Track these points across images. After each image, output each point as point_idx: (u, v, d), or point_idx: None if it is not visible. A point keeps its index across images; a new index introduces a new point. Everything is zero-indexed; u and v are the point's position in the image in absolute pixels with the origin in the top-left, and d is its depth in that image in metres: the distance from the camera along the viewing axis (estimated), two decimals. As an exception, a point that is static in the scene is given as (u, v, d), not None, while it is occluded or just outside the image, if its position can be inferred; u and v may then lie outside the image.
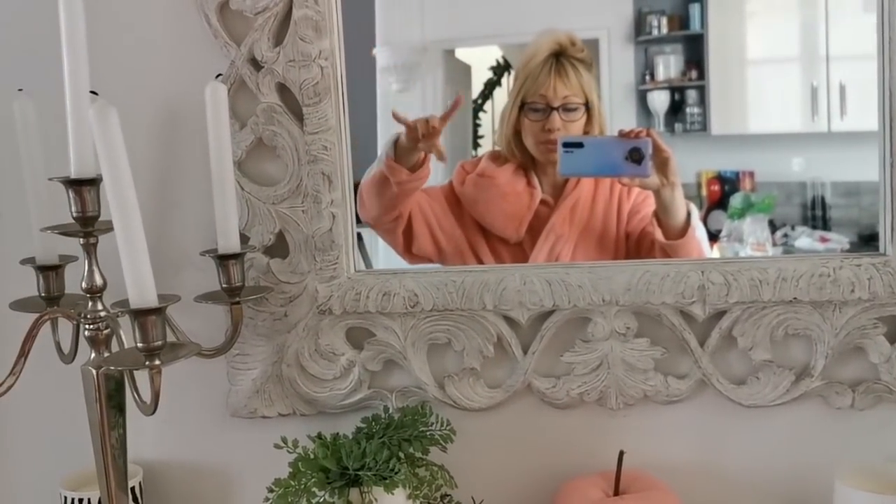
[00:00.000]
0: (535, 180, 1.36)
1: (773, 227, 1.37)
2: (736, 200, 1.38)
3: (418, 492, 1.18)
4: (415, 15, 1.42)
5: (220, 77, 1.20)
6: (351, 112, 1.27)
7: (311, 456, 1.17)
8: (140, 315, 0.97)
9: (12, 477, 1.41)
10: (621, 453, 1.19)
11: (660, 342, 1.24)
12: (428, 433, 1.23)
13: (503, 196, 1.36)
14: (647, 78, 1.41)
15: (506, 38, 1.44)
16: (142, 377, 1.03)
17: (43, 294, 1.18)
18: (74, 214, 1.07)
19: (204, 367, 1.25)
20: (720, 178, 1.41)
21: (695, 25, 1.39)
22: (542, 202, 1.35)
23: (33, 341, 1.10)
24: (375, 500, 1.13)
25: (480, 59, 1.44)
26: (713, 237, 1.35)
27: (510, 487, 1.30)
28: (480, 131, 1.44)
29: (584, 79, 1.33)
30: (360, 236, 1.32)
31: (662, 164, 1.28)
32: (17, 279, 1.20)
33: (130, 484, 1.20)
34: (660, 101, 1.41)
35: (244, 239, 1.24)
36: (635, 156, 1.27)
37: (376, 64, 1.41)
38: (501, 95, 1.41)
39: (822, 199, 1.37)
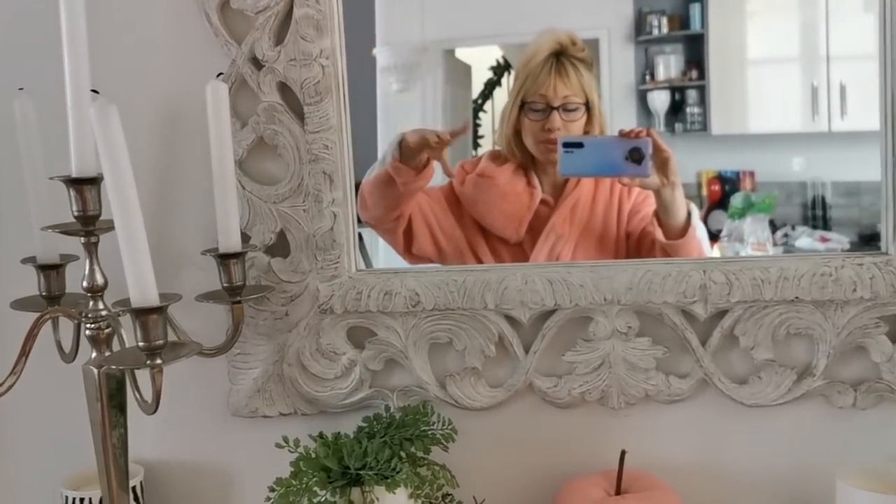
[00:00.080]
0: (535, 180, 1.36)
1: (774, 226, 1.37)
2: (736, 200, 1.38)
3: (420, 491, 1.17)
4: (415, 14, 1.43)
5: (221, 76, 1.20)
6: (351, 112, 1.27)
7: (313, 455, 1.17)
8: (141, 314, 0.97)
9: (13, 476, 1.41)
10: (623, 453, 1.19)
11: (661, 341, 1.24)
12: (429, 432, 1.23)
13: (503, 196, 1.36)
14: (648, 78, 1.41)
15: (506, 38, 1.44)
16: (143, 376, 1.03)
17: (44, 293, 1.18)
18: (75, 213, 1.07)
19: (205, 367, 1.25)
20: (720, 178, 1.41)
21: (695, 25, 1.39)
22: (543, 202, 1.35)
23: (34, 340, 1.10)
24: (377, 499, 1.13)
25: (480, 59, 1.44)
26: (714, 237, 1.35)
27: (511, 487, 1.30)
28: (480, 131, 1.44)
29: (585, 78, 1.33)
30: (360, 236, 1.32)
31: (663, 164, 1.27)
32: (18, 278, 1.20)
33: (131, 483, 1.20)
34: (660, 100, 1.41)
35: (245, 238, 1.24)
36: (635, 156, 1.27)
37: (376, 64, 1.41)
38: (501, 95, 1.41)
39: (823, 198, 1.37)
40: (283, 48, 1.22)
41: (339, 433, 1.22)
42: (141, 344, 0.98)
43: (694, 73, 1.42)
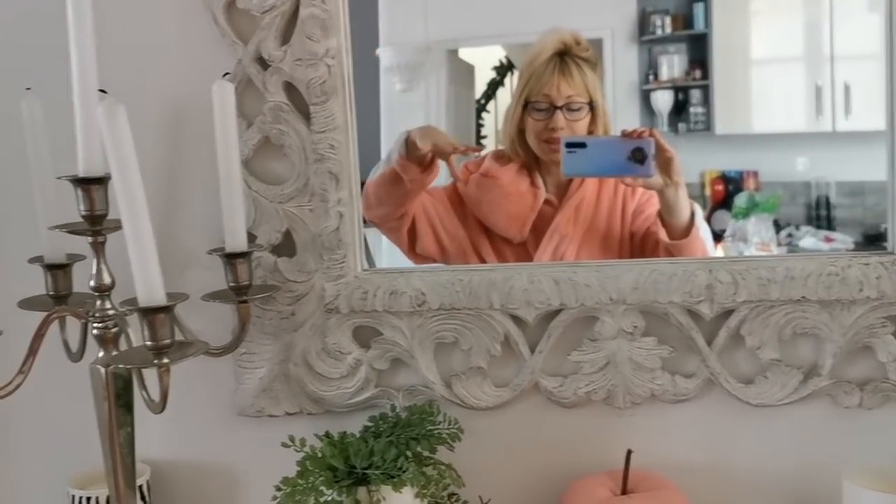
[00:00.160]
0: (539, 180, 1.36)
1: (778, 226, 1.37)
2: (740, 200, 1.39)
3: (426, 490, 1.17)
4: (418, 15, 1.43)
5: (228, 76, 1.20)
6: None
7: (319, 454, 1.16)
8: (149, 313, 0.97)
9: (21, 475, 1.41)
10: (629, 452, 1.19)
11: (667, 341, 1.24)
12: (435, 432, 1.23)
13: (507, 196, 1.36)
14: (651, 77, 1.42)
15: (509, 38, 1.44)
16: (149, 375, 1.03)
17: (51, 293, 1.18)
18: (83, 213, 1.07)
19: (211, 366, 1.25)
20: (724, 178, 1.41)
21: (699, 25, 1.40)
22: (546, 202, 1.36)
23: (42, 340, 1.11)
24: (383, 498, 1.13)
25: (484, 59, 1.45)
26: (717, 237, 1.36)
27: (517, 486, 1.30)
28: (483, 131, 1.44)
29: (589, 78, 1.33)
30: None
31: (666, 164, 1.27)
32: (26, 278, 1.19)
33: (138, 482, 1.20)
34: (663, 100, 1.41)
35: (251, 238, 1.24)
36: (638, 156, 1.27)
37: (380, 64, 1.41)
38: (504, 95, 1.41)
39: (827, 198, 1.37)
40: (290, 48, 1.22)
41: (345, 432, 1.22)
42: (148, 343, 0.98)
43: (697, 73, 1.42)
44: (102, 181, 1.06)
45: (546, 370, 1.27)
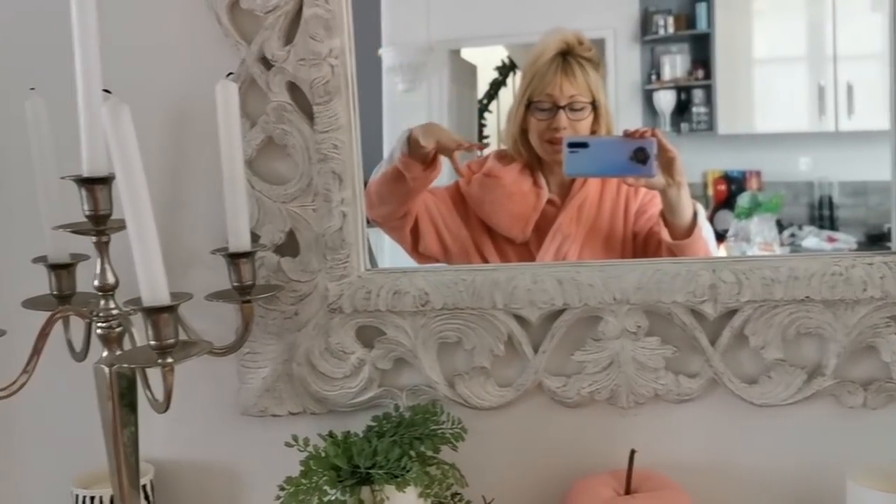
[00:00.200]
0: (542, 180, 1.36)
1: (781, 226, 1.37)
2: (743, 200, 1.39)
3: (429, 490, 1.17)
4: (421, 15, 1.43)
5: (231, 76, 1.20)
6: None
7: (323, 454, 1.17)
8: (153, 313, 0.97)
9: (25, 475, 1.41)
10: (632, 452, 1.19)
11: (671, 341, 1.24)
12: (439, 432, 1.23)
13: (509, 196, 1.36)
14: (654, 77, 1.42)
15: (511, 39, 1.45)
16: (153, 375, 1.03)
17: (55, 292, 1.18)
18: (87, 213, 1.07)
19: (214, 366, 1.25)
20: (727, 178, 1.41)
21: (701, 25, 1.40)
22: (549, 202, 1.36)
23: (46, 339, 1.11)
24: (387, 498, 1.13)
25: (486, 59, 1.45)
26: (720, 237, 1.36)
27: (521, 486, 1.30)
28: (485, 131, 1.44)
29: (591, 78, 1.33)
30: (365, 236, 1.32)
31: (668, 164, 1.27)
32: (30, 277, 1.19)
33: (142, 482, 1.20)
34: (666, 100, 1.41)
35: (255, 237, 1.23)
36: (640, 156, 1.27)
37: (382, 64, 1.41)
38: (507, 96, 1.41)
39: (830, 198, 1.37)
40: (293, 48, 1.22)
41: (348, 432, 1.22)
42: (152, 343, 0.97)
43: (700, 73, 1.42)
44: (106, 181, 1.06)
45: (549, 370, 1.27)
